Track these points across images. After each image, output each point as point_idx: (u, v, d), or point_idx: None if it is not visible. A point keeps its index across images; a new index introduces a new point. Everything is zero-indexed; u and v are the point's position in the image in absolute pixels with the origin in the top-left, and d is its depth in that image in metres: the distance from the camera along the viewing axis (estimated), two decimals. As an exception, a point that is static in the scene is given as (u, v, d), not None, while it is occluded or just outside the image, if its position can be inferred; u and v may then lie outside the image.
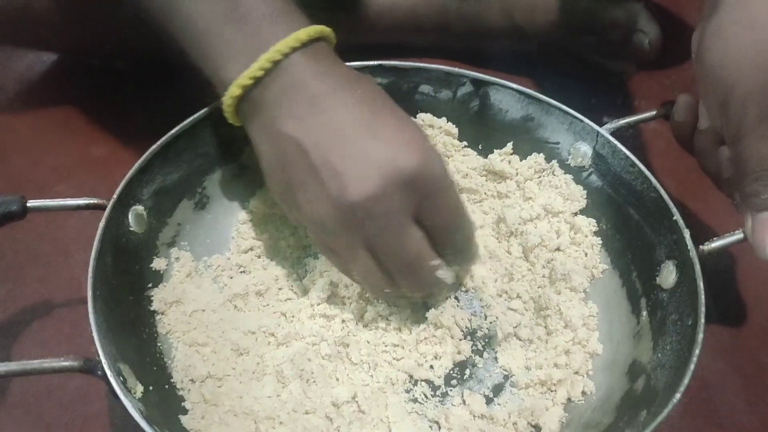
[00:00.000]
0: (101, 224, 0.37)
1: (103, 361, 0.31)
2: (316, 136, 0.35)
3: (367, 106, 0.36)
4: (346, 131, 0.35)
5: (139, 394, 0.33)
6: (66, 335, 0.39)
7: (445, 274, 0.38)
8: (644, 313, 0.40)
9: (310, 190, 0.36)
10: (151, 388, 0.35)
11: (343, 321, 0.40)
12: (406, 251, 0.36)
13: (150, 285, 0.40)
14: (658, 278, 0.40)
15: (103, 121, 0.50)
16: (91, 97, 0.52)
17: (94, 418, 0.38)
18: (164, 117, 0.42)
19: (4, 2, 0.46)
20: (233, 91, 0.37)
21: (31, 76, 0.54)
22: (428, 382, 0.39)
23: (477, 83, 0.47)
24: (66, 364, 0.31)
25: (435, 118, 0.47)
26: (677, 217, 0.39)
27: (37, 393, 0.38)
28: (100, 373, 0.31)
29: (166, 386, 0.37)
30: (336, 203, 0.35)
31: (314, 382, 0.37)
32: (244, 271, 0.43)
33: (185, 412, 0.35)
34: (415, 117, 0.47)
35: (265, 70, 0.36)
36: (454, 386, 0.39)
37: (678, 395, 0.32)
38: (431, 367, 0.40)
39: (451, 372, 0.40)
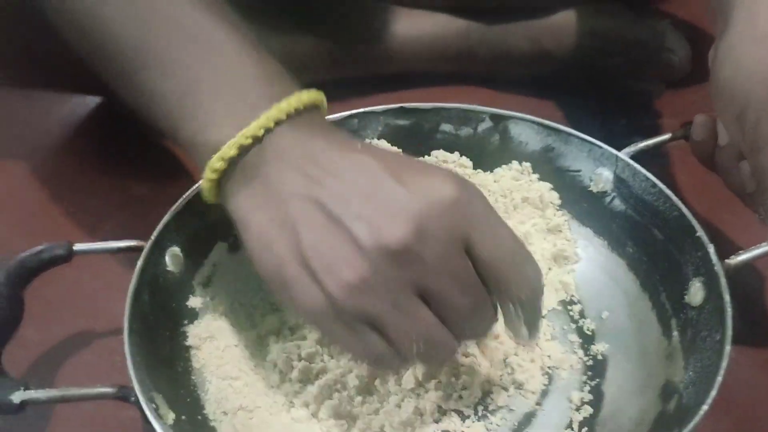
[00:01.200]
0: (139, 264, 0.39)
1: (137, 388, 0.33)
2: (330, 188, 0.30)
3: (383, 156, 0.32)
4: (365, 179, 0.30)
5: (170, 422, 0.34)
6: (106, 368, 0.41)
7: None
8: (675, 333, 0.39)
9: (331, 249, 0.30)
10: (183, 417, 0.36)
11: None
12: (472, 284, 0.30)
13: (186, 322, 0.42)
14: (686, 297, 0.39)
15: (143, 163, 0.52)
16: (133, 139, 0.54)
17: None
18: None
19: (44, 49, 0.47)
20: (221, 157, 0.32)
21: (74, 120, 0.57)
22: (458, 412, 0.39)
23: (496, 118, 0.48)
24: (102, 390, 0.33)
25: (447, 153, 0.48)
26: (701, 233, 0.39)
27: (80, 420, 0.40)
28: (133, 399, 0.33)
29: (199, 417, 0.38)
30: (375, 251, 0.29)
31: (343, 414, 0.38)
32: (276, 309, 0.44)
33: (216, 441, 0.36)
34: (430, 155, 0.49)
35: (254, 137, 0.31)
36: (483, 416, 0.39)
37: (705, 407, 0.31)
38: (460, 397, 0.40)
39: (481, 402, 0.39)
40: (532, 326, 0.33)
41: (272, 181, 0.31)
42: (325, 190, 0.31)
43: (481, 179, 0.48)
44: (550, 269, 0.45)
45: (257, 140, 0.32)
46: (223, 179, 0.33)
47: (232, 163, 0.32)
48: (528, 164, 0.47)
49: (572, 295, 0.44)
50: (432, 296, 0.30)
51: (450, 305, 0.31)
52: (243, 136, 0.31)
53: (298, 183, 0.31)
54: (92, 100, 0.59)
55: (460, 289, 0.30)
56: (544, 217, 0.46)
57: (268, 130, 0.31)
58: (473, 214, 0.31)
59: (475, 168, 0.48)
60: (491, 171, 0.48)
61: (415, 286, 0.30)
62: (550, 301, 0.43)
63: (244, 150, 0.32)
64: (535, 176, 0.47)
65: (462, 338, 0.33)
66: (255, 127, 0.31)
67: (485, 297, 0.31)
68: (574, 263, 0.45)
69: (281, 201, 0.31)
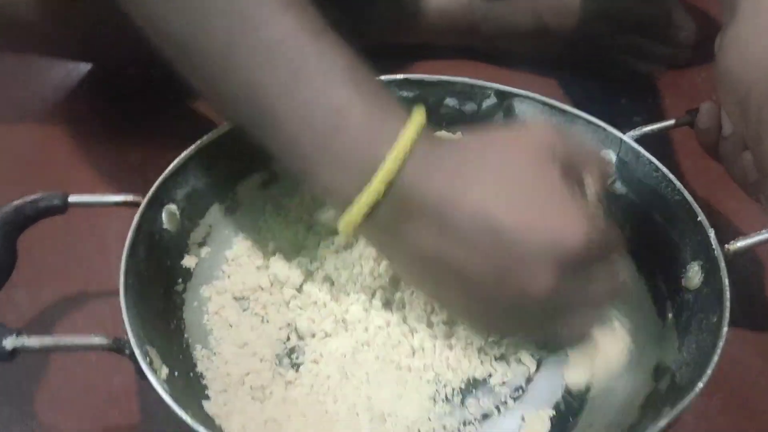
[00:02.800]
0: (135, 219, 0.39)
1: (132, 340, 0.33)
2: (461, 238, 0.32)
3: (507, 183, 0.33)
4: (493, 218, 0.31)
5: (164, 376, 0.34)
6: (100, 321, 0.41)
7: None
8: (670, 315, 0.39)
9: (488, 301, 0.33)
10: (176, 373, 0.36)
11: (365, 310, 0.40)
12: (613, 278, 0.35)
13: (180, 280, 0.42)
14: (683, 280, 0.39)
15: (139, 128, 0.52)
16: (127, 105, 0.54)
17: (123, 397, 0.39)
18: (198, 124, 0.44)
19: (39, 15, 0.47)
20: (353, 219, 0.33)
21: (68, 85, 0.56)
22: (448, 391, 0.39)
23: (501, 95, 0.48)
24: (96, 341, 0.33)
25: (451, 134, 0.48)
26: (702, 217, 0.39)
27: (74, 371, 0.40)
28: (128, 352, 0.33)
29: (191, 374, 0.38)
30: (560, 263, 0.31)
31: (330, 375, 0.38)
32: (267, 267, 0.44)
33: (208, 398, 0.36)
34: (440, 130, 0.48)
35: (380, 192, 0.32)
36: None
37: (701, 385, 0.31)
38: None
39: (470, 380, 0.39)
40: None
41: (405, 236, 0.33)
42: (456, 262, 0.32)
43: None
44: None
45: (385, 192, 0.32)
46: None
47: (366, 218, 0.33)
48: None
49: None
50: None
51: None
52: (371, 193, 0.32)
53: (428, 245, 0.32)
54: (85, 66, 0.58)
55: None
56: None
57: (390, 183, 0.32)
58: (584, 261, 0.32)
59: None
60: None
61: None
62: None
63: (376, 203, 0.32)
64: None
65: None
66: (377, 182, 0.32)
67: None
68: None
69: (419, 259, 0.33)
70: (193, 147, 0.43)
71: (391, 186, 0.32)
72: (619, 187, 0.45)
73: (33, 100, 0.57)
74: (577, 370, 0.39)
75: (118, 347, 0.33)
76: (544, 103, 0.47)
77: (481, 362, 0.39)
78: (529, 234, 0.31)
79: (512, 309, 0.33)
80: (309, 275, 0.43)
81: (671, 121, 0.45)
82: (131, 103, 0.54)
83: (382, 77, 0.48)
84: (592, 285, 0.34)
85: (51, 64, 0.59)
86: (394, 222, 0.33)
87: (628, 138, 0.44)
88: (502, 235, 0.31)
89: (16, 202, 0.37)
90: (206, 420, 0.35)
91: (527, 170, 0.33)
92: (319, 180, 0.34)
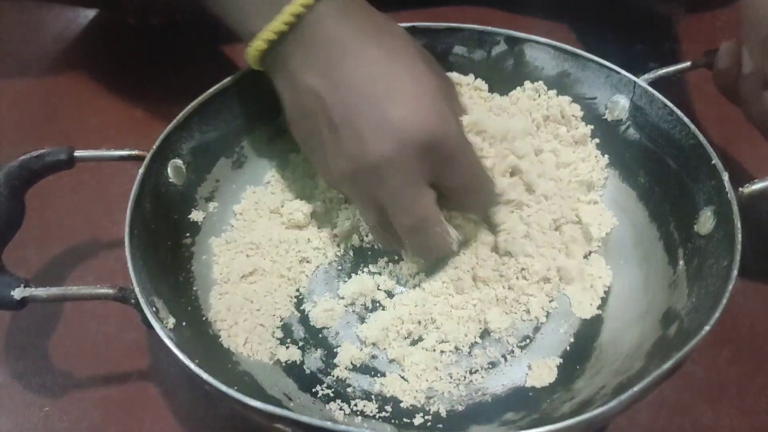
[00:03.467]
0: (141, 171, 0.39)
1: (137, 289, 0.33)
2: (336, 93, 0.36)
3: (392, 63, 0.36)
4: (366, 90, 0.35)
5: (170, 326, 0.35)
6: (108, 273, 0.42)
7: (451, 239, 0.38)
8: (681, 262, 0.38)
9: (330, 143, 0.37)
10: (184, 324, 0.36)
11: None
12: (414, 215, 0.36)
13: (188, 234, 0.42)
14: (696, 226, 0.38)
15: (142, 81, 0.52)
16: (129, 57, 0.53)
17: (134, 349, 0.40)
18: (202, 76, 0.43)
19: None
20: (258, 45, 0.37)
21: (69, 35, 0.56)
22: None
23: (511, 41, 0.47)
24: (102, 291, 0.33)
25: (462, 76, 0.47)
26: (716, 161, 0.38)
27: (83, 321, 0.41)
28: (133, 301, 0.33)
29: (200, 325, 0.38)
30: (353, 161, 0.36)
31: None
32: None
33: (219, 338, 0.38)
34: (476, 80, 0.47)
35: (288, 24, 0.36)
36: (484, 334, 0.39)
37: (708, 327, 0.30)
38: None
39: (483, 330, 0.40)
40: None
41: (296, 68, 0.37)
42: (332, 93, 0.36)
43: (497, 103, 0.46)
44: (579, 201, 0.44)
45: (292, 25, 0.36)
46: (264, 56, 0.38)
47: (271, 44, 0.37)
48: (540, 82, 0.46)
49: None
50: (386, 210, 0.37)
51: (396, 221, 0.37)
52: (279, 23, 0.36)
53: (312, 79, 0.36)
54: (85, 17, 0.58)
55: (407, 213, 0.36)
56: (570, 128, 0.45)
57: (299, 16, 0.36)
58: (443, 151, 0.35)
59: (490, 91, 0.47)
60: (507, 94, 0.47)
61: (378, 196, 0.36)
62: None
63: (281, 33, 0.36)
64: (553, 92, 0.46)
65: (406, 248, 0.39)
66: (287, 14, 0.36)
67: (426, 228, 0.37)
68: (601, 188, 0.44)
69: (301, 91, 0.37)
70: (196, 101, 0.43)
71: (299, 20, 0.36)
72: (632, 133, 0.44)
73: (34, 53, 0.56)
74: (583, 304, 0.40)
75: (124, 296, 0.33)
76: (556, 48, 0.46)
77: (489, 318, 0.39)
78: (394, 108, 0.35)
79: (350, 164, 0.36)
80: (317, 228, 0.43)
81: (687, 63, 0.43)
82: (132, 56, 0.53)
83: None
84: (425, 198, 0.36)
85: (51, 16, 0.58)
86: (292, 56, 0.37)
87: (642, 81, 0.43)
88: (373, 100, 0.35)
89: (22, 157, 0.37)
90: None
91: (424, 65, 0.37)
92: (233, 12, 0.38)
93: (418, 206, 0.36)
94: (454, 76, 0.47)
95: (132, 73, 0.53)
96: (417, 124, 0.35)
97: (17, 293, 0.33)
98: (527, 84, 0.46)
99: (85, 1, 0.56)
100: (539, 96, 0.46)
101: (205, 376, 0.30)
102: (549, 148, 0.44)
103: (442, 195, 0.38)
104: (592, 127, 0.45)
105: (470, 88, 0.47)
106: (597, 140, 0.45)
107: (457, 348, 0.38)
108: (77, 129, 0.49)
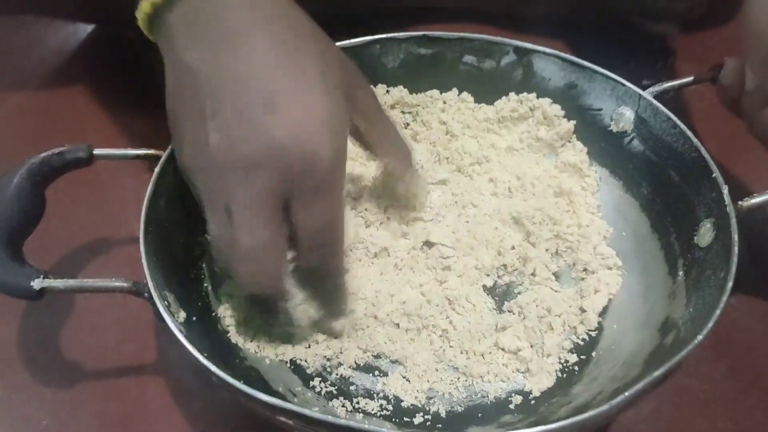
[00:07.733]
0: (156, 169, 0.40)
1: (150, 283, 0.34)
2: (214, 77, 0.33)
3: (285, 58, 0.33)
4: (246, 82, 0.32)
5: (181, 320, 0.36)
6: (123, 267, 0.42)
7: (293, 306, 0.35)
8: (680, 272, 0.39)
9: (191, 130, 0.34)
10: (194, 318, 0.37)
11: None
12: (257, 238, 0.32)
13: (200, 233, 0.43)
14: (696, 238, 0.39)
15: (141, 95, 0.50)
16: (128, 71, 0.53)
17: (144, 340, 0.41)
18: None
19: None
20: (143, 7, 0.34)
21: (68, 49, 0.56)
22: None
23: (520, 52, 0.48)
24: (116, 284, 0.35)
25: (446, 93, 0.48)
26: (716, 174, 0.38)
27: (80, 335, 0.42)
28: (146, 295, 0.34)
29: (209, 320, 0.39)
30: (209, 155, 0.33)
31: None
32: None
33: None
34: (460, 94, 0.48)
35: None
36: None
37: (700, 337, 0.31)
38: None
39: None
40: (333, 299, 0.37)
41: (179, 41, 0.34)
42: (209, 76, 0.33)
43: (483, 113, 0.48)
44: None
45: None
46: (152, 22, 0.35)
47: (158, 10, 0.34)
48: (527, 94, 0.47)
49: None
50: (230, 217, 0.33)
51: (236, 233, 0.33)
52: None
53: (193, 56, 0.33)
54: (84, 31, 0.58)
55: (249, 232, 0.32)
56: (551, 127, 0.47)
57: None
58: (305, 178, 0.32)
59: (477, 102, 0.48)
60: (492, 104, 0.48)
61: (225, 201, 0.33)
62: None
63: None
64: (533, 95, 0.47)
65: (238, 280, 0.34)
66: None
67: (260, 257, 0.33)
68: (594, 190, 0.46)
69: (178, 66, 0.34)
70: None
71: None
72: (637, 144, 0.45)
73: (34, 66, 0.57)
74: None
75: (138, 290, 0.34)
76: (563, 59, 0.47)
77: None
78: (276, 115, 0.32)
79: (210, 157, 0.33)
80: None
81: (690, 78, 0.44)
82: (132, 69, 0.53)
83: (399, 34, 0.48)
84: (276, 226, 0.33)
85: (50, 31, 0.58)
86: (176, 28, 0.34)
87: (647, 94, 0.44)
88: (255, 99, 0.32)
89: (43, 154, 0.39)
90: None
91: (323, 65, 0.34)
92: None
93: (265, 229, 0.32)
94: (434, 93, 0.48)
95: (131, 86, 0.53)
96: (295, 140, 0.31)
97: (36, 284, 0.34)
98: (512, 95, 0.48)
99: (84, 16, 0.57)
100: (521, 103, 0.47)
101: (213, 368, 0.31)
102: (519, 147, 0.46)
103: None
104: (575, 122, 0.46)
105: (457, 101, 0.48)
106: (593, 147, 0.46)
107: (454, 367, 0.39)
108: (76, 142, 0.48)
